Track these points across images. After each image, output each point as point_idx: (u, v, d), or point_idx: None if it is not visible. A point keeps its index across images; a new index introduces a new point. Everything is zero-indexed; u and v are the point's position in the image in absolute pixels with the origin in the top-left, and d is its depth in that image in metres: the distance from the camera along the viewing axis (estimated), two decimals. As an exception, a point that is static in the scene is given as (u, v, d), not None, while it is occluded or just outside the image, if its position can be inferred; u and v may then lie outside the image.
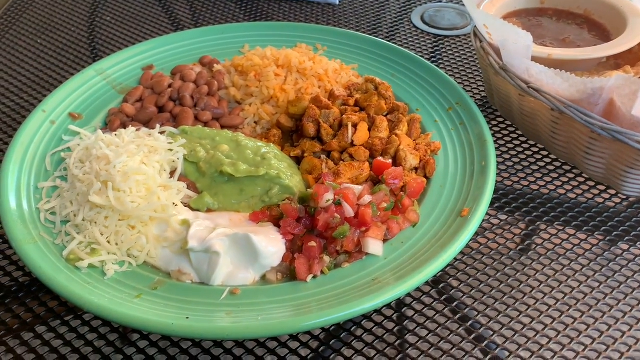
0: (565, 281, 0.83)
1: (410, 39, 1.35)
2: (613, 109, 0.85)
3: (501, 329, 0.76)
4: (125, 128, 0.98)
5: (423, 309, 0.78)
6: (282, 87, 1.05)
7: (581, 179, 0.98)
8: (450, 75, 1.15)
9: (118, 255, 0.78)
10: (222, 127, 1.01)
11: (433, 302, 0.79)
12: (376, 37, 1.29)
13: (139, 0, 1.52)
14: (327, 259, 0.77)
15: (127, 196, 0.79)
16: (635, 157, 0.86)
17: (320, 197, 0.79)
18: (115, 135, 0.91)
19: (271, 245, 0.76)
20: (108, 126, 1.01)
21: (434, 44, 1.34)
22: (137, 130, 0.94)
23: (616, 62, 1.06)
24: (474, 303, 0.79)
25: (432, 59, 1.28)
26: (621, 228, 0.90)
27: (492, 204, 0.91)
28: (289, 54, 1.09)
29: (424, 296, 0.80)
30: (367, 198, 0.80)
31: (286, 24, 1.25)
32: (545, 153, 1.03)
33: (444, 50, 1.32)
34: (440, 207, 0.85)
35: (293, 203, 0.81)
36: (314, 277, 0.76)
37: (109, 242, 0.78)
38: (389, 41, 1.23)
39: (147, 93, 1.06)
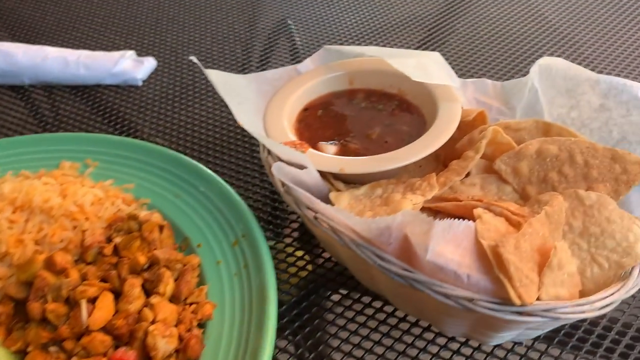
0: None
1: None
2: (410, 247, 0.67)
3: None
4: None
5: None
6: (18, 239, 0.80)
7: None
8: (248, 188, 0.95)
9: None
10: None
11: None
12: (181, 120, 1.07)
13: None
14: None
15: None
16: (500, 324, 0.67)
17: None
18: None
19: None
20: None
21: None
22: None
23: (436, 153, 0.89)
24: None
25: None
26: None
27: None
28: (31, 189, 0.85)
29: None
30: None
31: (47, 137, 1.00)
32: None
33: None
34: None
35: None
36: None
37: None
38: (193, 121, 1.01)
39: None
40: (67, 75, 1.26)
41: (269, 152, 0.83)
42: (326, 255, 0.88)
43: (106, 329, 0.69)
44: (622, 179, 0.73)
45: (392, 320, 0.78)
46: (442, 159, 0.87)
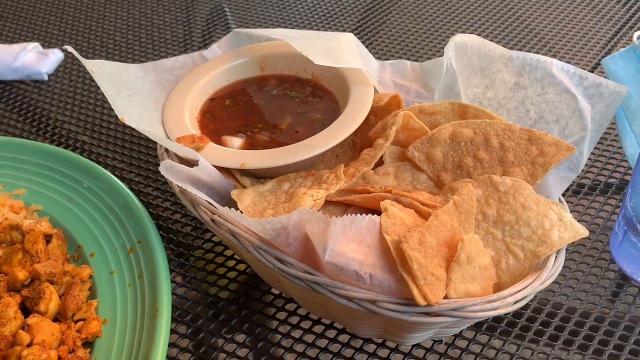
0: None
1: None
2: (312, 247, 0.61)
3: None
4: None
5: None
6: None
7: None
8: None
9: None
10: None
11: None
12: (92, 113, 0.99)
13: None
14: None
15: None
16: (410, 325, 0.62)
17: None
18: None
19: None
20: None
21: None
22: None
23: (353, 140, 0.83)
24: None
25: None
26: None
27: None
28: None
29: None
30: None
31: None
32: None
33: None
34: None
35: None
36: None
37: None
38: (102, 116, 0.93)
39: None
40: (-37, 70, 1.16)
41: (167, 149, 0.77)
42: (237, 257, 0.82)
43: (-27, 358, 0.61)
44: (539, 161, 0.69)
45: (306, 324, 0.73)
46: (358, 147, 0.82)
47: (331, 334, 0.72)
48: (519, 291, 0.59)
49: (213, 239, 0.84)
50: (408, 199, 0.66)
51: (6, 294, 0.66)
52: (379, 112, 0.81)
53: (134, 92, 0.78)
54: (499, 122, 0.72)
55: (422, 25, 1.31)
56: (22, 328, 0.63)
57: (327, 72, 0.87)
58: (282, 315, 0.74)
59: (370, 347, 0.70)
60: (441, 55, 0.80)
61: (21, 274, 0.67)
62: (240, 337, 0.71)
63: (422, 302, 0.55)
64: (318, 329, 0.72)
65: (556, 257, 0.62)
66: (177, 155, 0.76)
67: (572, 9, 1.33)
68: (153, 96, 0.82)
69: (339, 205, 0.71)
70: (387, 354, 0.69)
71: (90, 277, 0.72)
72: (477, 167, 0.70)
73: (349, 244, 0.58)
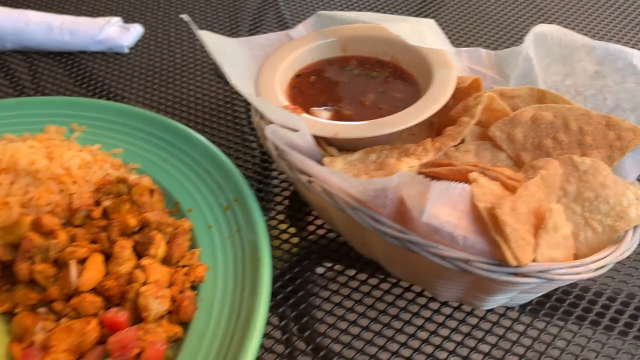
0: None
1: (205, 89, 1.13)
2: (405, 209, 0.67)
3: None
4: None
5: None
6: (4, 201, 0.78)
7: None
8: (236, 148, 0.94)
9: None
10: None
11: None
12: (169, 88, 1.05)
13: None
14: None
15: None
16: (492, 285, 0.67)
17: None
18: None
19: None
20: None
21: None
22: None
23: (430, 121, 0.88)
24: None
25: (221, 120, 1.06)
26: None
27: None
28: (16, 151, 0.82)
29: None
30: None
31: (31, 101, 0.98)
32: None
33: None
34: (193, 376, 0.63)
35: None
36: None
37: None
38: (181, 90, 0.99)
39: None
40: (51, 41, 1.23)
41: (261, 116, 0.82)
42: (317, 222, 0.87)
43: (96, 290, 0.67)
44: (616, 145, 0.74)
45: (377, 293, 0.78)
46: (435, 127, 0.87)
47: (409, 296, 0.77)
48: (600, 259, 0.64)
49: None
50: (494, 172, 0.71)
51: (119, 238, 0.72)
52: (457, 94, 0.86)
53: (233, 63, 0.83)
54: (577, 107, 0.76)
55: (479, 12, 1.35)
56: (136, 269, 0.70)
57: (407, 55, 0.92)
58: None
59: (447, 310, 0.75)
60: (495, 42, 0.85)
61: (132, 221, 0.73)
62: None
63: (513, 262, 0.60)
64: (397, 290, 0.78)
65: (633, 232, 0.67)
66: (270, 123, 0.81)
67: None
68: (247, 69, 0.88)
69: (425, 177, 0.77)
70: (463, 317, 0.75)
71: (190, 230, 0.78)
72: (556, 148, 0.75)
73: (444, 208, 0.64)
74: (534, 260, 0.62)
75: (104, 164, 0.86)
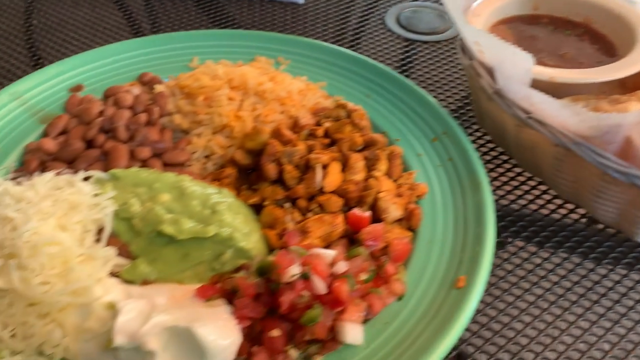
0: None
1: (379, 44, 1.19)
2: (630, 149, 0.71)
3: None
4: (45, 169, 0.80)
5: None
6: (237, 114, 0.88)
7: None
8: (424, 88, 1.00)
9: (26, 353, 0.61)
10: (165, 164, 0.84)
11: None
12: (343, 40, 1.13)
13: (87, 4, 1.31)
14: (293, 354, 0.62)
15: (36, 276, 0.62)
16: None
17: (283, 270, 0.63)
18: (28, 184, 0.73)
19: (222, 337, 0.60)
20: (24, 167, 0.82)
21: (406, 49, 1.19)
22: (57, 174, 0.76)
23: (621, 81, 0.92)
24: None
25: (404, 67, 1.12)
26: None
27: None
28: (245, 72, 0.92)
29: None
30: (342, 266, 0.65)
31: (243, 33, 1.07)
32: (544, 187, 0.90)
33: (417, 57, 1.17)
34: (430, 272, 0.70)
35: (250, 276, 0.65)
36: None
37: (13, 336, 0.61)
38: (354, 45, 1.07)
39: (73, 123, 0.87)
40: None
41: (471, 57, 0.88)
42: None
43: (337, 193, 0.76)
44: None
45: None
46: (629, 87, 0.90)
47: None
48: None
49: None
50: None
51: (349, 152, 0.80)
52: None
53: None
54: None
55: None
56: (369, 179, 0.77)
57: (601, 16, 0.96)
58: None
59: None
60: None
61: (359, 139, 0.81)
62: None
63: None
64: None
65: None
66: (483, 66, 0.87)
67: None
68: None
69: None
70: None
71: (401, 156, 0.85)
72: None
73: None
74: None
75: (316, 92, 0.94)
